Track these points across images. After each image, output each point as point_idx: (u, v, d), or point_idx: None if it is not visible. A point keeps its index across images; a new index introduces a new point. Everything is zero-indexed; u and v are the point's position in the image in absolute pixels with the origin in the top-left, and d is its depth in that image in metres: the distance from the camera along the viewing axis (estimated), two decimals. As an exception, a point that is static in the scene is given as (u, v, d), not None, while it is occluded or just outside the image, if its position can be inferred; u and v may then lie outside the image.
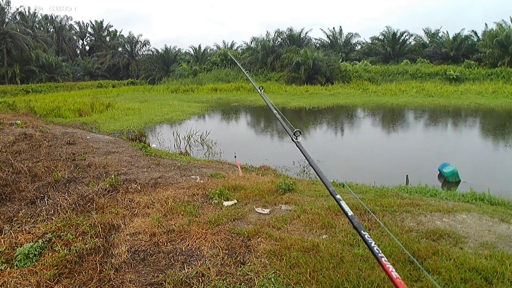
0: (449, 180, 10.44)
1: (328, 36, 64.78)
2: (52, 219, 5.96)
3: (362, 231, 1.77)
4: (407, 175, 10.37)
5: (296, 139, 2.82)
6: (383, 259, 1.60)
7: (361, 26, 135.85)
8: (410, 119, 24.29)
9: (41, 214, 6.23)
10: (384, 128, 20.41)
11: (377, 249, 1.65)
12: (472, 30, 53.11)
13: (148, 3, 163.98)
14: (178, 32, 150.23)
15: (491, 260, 4.36)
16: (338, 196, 2.07)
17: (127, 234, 5.31)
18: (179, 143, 16.90)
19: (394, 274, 1.52)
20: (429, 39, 58.96)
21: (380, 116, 25.82)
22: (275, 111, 3.83)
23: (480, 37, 51.15)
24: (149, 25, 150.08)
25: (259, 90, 4.40)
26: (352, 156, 14.66)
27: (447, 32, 55.89)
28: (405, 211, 6.07)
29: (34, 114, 25.32)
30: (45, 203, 6.79)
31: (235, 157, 11.92)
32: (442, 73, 43.98)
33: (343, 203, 2.00)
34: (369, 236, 1.73)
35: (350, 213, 1.93)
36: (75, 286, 4.14)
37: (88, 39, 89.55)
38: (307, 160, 2.59)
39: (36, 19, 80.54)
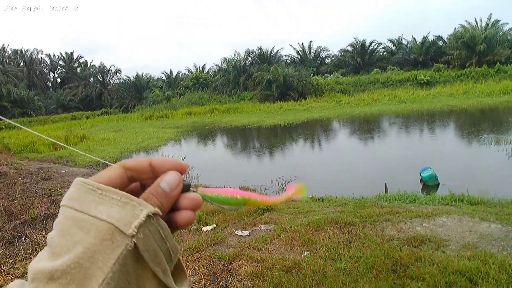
0: (428, 184, 10.48)
1: (297, 52, 65.44)
2: (31, 258, 5.83)
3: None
4: (385, 183, 10.40)
5: None
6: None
7: (330, 39, 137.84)
8: (385, 127, 24.48)
9: (19, 254, 6.12)
10: (360, 139, 20.50)
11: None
12: (438, 35, 54.42)
13: (107, 32, 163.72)
14: (145, 58, 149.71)
15: (474, 261, 4.38)
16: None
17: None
18: (155, 170, 16.67)
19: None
20: (396, 46, 59.83)
21: (355, 127, 25.98)
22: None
23: (446, 40, 52.22)
24: (113, 53, 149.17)
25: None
26: (330, 169, 14.64)
27: (414, 38, 56.97)
28: (385, 220, 6.06)
29: (8, 151, 24.83)
30: (22, 242, 6.69)
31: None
32: (413, 79, 44.66)
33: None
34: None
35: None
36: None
37: (59, 71, 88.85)
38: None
39: (6, 53, 79.96)
